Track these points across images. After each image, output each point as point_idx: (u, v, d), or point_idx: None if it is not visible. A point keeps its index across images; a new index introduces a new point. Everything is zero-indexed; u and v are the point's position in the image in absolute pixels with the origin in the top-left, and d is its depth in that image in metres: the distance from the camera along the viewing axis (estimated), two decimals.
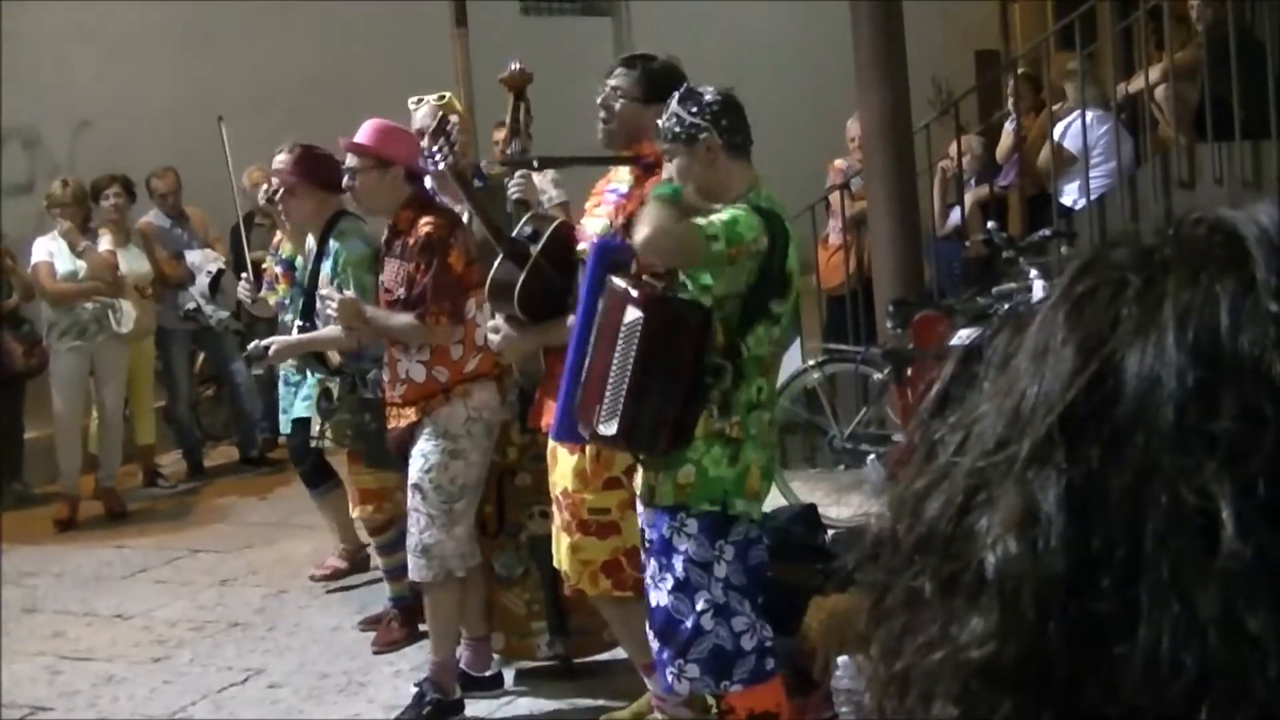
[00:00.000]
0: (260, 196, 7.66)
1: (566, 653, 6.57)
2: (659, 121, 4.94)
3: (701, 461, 4.84)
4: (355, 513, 7.35)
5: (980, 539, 0.74)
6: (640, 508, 5.08)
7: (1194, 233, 0.76)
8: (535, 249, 5.60)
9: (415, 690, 6.28)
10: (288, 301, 7.68)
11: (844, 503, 8.14)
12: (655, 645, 5.01)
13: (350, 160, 6.32)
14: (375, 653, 7.11)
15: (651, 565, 4.97)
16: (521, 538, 6.49)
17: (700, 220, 4.70)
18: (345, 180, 6.38)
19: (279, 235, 7.77)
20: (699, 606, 4.88)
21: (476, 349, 6.22)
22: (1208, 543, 0.69)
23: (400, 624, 7.24)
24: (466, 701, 6.31)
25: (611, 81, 5.58)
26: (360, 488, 7.26)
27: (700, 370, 4.81)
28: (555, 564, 5.78)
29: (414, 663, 6.89)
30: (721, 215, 4.73)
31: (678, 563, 4.89)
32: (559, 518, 5.63)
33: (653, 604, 4.98)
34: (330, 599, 7.99)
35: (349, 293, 6.52)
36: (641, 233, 4.67)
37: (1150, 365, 0.72)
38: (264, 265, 7.97)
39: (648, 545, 5.02)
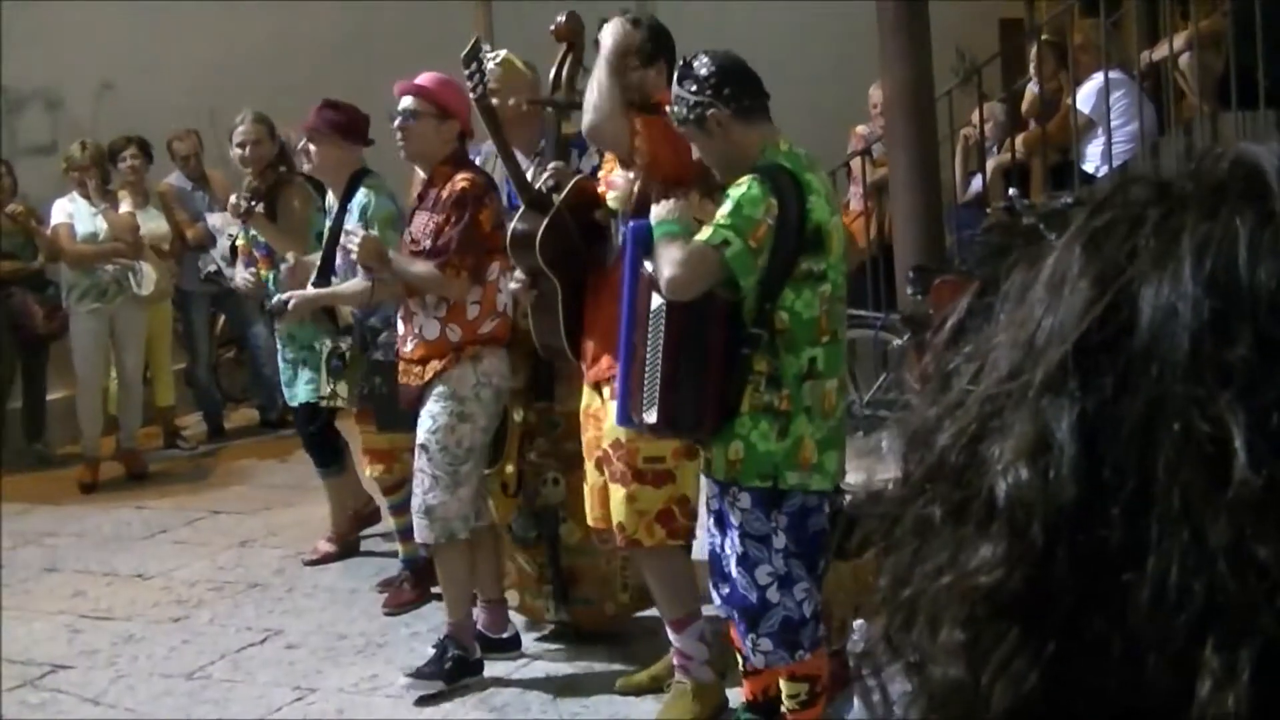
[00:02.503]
0: (232, 216, 7.70)
1: (570, 620, 6.59)
2: (669, 112, 4.92)
3: (749, 437, 4.82)
4: (368, 472, 7.35)
5: (991, 466, 0.74)
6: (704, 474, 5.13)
7: (1214, 167, 0.76)
8: (558, 199, 5.62)
9: (435, 649, 6.30)
10: (271, 284, 7.66)
11: (863, 469, 8.13)
12: (735, 615, 5.03)
13: (408, 103, 6.26)
14: (387, 614, 7.14)
15: (727, 537, 4.97)
16: (536, 503, 6.50)
17: (703, 234, 4.69)
18: (399, 121, 6.29)
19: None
20: (761, 580, 4.90)
21: (494, 312, 6.21)
22: (1219, 473, 0.68)
23: (411, 585, 7.27)
24: (403, 677, 6.29)
25: None
26: (372, 448, 7.25)
27: (734, 344, 4.80)
28: (591, 523, 5.79)
29: (431, 624, 6.90)
30: (722, 211, 4.71)
31: (735, 537, 4.91)
32: (610, 470, 5.61)
33: (731, 574, 4.99)
34: (348, 561, 8.01)
35: (372, 231, 6.50)
36: (663, 279, 4.69)
37: (1166, 296, 0.72)
38: (241, 245, 7.94)
39: (713, 512, 5.05)
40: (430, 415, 6.20)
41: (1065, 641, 0.71)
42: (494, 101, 6.22)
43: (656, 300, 4.80)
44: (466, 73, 5.77)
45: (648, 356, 4.83)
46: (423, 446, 6.22)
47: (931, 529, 0.77)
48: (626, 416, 5.12)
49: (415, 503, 6.28)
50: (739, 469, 4.85)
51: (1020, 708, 0.72)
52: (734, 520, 4.89)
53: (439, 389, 6.20)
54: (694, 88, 4.82)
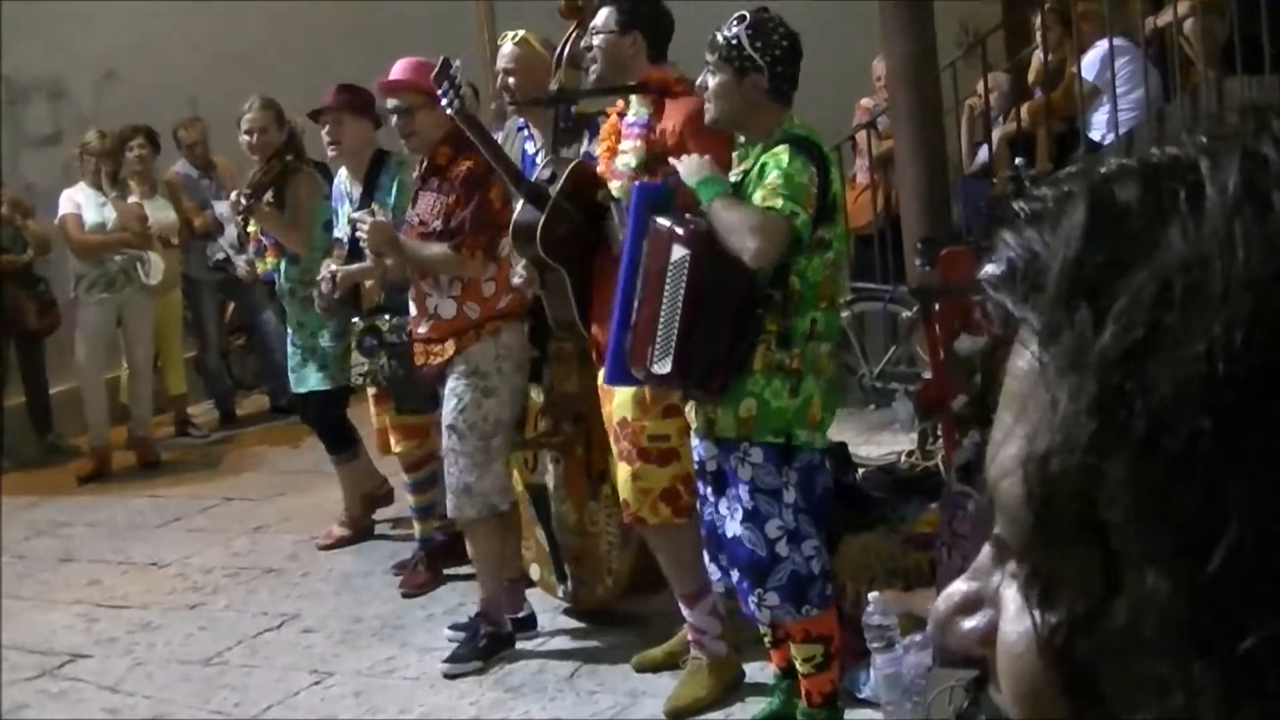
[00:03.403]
0: (235, 212, 7.71)
1: (569, 599, 6.61)
2: (716, 35, 4.89)
3: (763, 394, 4.86)
4: (396, 449, 7.31)
5: None
6: (696, 439, 5.11)
7: None
8: (554, 190, 5.61)
9: (464, 630, 6.37)
10: (278, 271, 7.67)
11: (874, 441, 8.15)
12: (735, 576, 5.03)
13: (397, 101, 6.28)
14: (403, 596, 7.15)
15: (725, 498, 4.99)
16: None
17: (775, 204, 4.71)
18: (396, 121, 6.31)
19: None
20: (771, 534, 4.92)
21: (508, 288, 6.22)
22: None
23: (426, 567, 7.28)
24: (442, 664, 6.31)
25: (594, 22, 5.63)
26: (401, 424, 7.23)
27: (749, 303, 4.83)
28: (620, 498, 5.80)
29: (446, 606, 6.93)
30: (775, 183, 4.74)
31: (744, 493, 4.92)
32: (616, 447, 5.65)
33: (729, 535, 5.00)
34: (362, 545, 8.03)
35: (380, 215, 6.47)
36: (745, 252, 4.69)
37: None
38: (250, 231, 7.96)
39: (709, 476, 5.04)
40: (455, 394, 6.21)
41: None
42: (511, 81, 6.25)
43: (679, 252, 4.81)
44: (439, 91, 5.75)
45: (663, 308, 4.82)
46: (451, 427, 6.23)
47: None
48: (619, 375, 5.15)
49: (451, 483, 6.29)
50: (751, 426, 4.87)
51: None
52: (743, 476, 4.91)
53: (460, 367, 6.21)
54: (758, 44, 4.85)
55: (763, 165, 4.81)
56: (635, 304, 4.98)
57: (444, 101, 5.73)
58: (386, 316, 6.79)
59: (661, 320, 4.84)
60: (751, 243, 4.68)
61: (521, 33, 6.56)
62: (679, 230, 4.84)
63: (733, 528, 4.98)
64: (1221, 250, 0.68)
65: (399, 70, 6.36)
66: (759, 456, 4.90)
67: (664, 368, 4.85)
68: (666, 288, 4.83)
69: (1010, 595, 0.75)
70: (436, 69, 5.74)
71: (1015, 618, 0.74)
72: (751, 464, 4.90)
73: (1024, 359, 0.74)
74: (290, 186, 7.73)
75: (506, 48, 6.47)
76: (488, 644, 6.27)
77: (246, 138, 7.89)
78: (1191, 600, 0.66)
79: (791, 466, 4.92)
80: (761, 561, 4.94)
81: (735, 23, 4.89)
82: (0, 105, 11.21)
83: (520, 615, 6.51)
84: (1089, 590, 0.69)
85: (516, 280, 5.98)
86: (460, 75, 5.73)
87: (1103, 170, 0.74)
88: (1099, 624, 0.69)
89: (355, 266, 6.92)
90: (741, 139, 5.05)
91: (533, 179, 5.78)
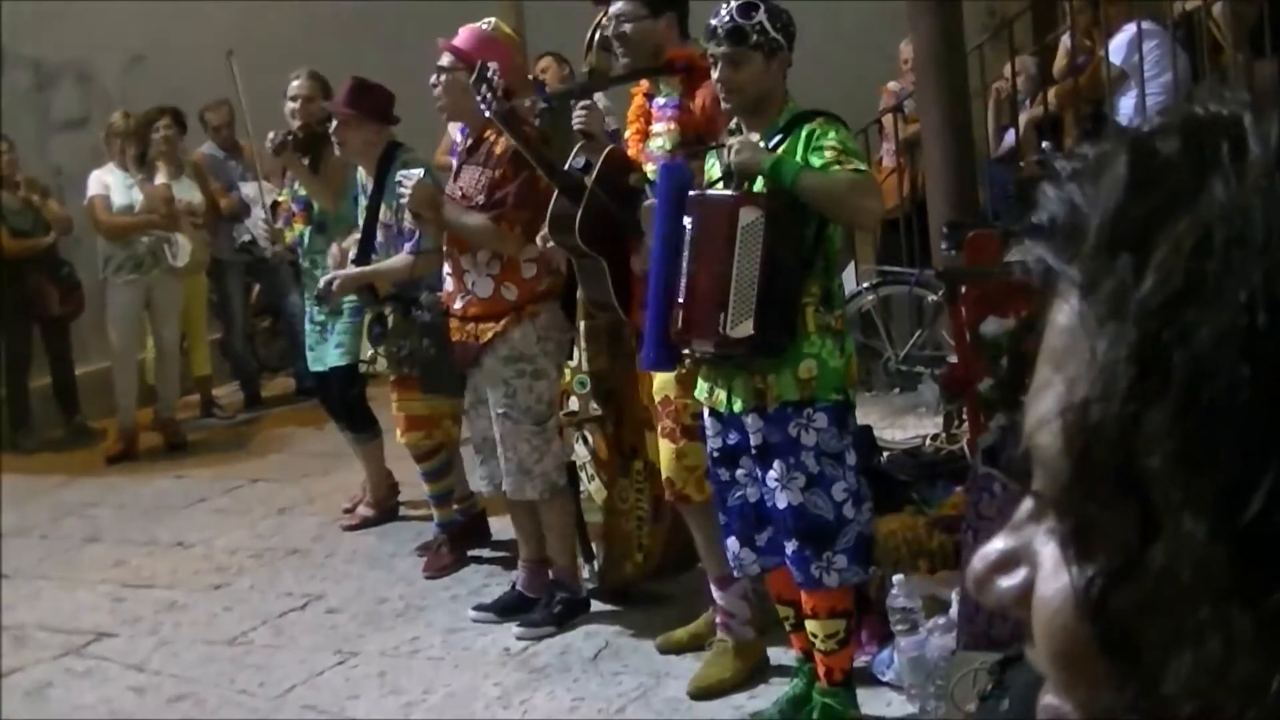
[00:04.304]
0: (267, 144, 7.69)
1: (594, 578, 6.62)
2: (737, 22, 4.89)
3: (820, 354, 4.94)
4: (402, 439, 7.34)
5: None
6: (713, 422, 5.12)
7: None
8: (589, 179, 5.60)
9: (493, 606, 6.53)
10: (303, 241, 7.70)
11: (899, 424, 8.14)
12: (793, 545, 5.03)
13: (445, 60, 6.28)
14: (426, 578, 7.16)
15: (775, 471, 4.98)
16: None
17: (856, 165, 4.85)
18: (433, 78, 6.33)
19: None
20: (838, 497, 4.97)
21: (550, 269, 6.23)
22: None
23: (449, 550, 7.29)
24: (516, 629, 6.37)
25: (614, 10, 5.61)
26: (409, 414, 7.23)
27: (801, 264, 4.94)
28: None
29: (470, 586, 6.94)
30: (838, 149, 4.84)
31: (809, 459, 4.95)
32: (660, 426, 5.67)
33: (780, 506, 5.00)
34: (386, 526, 8.04)
35: (426, 178, 6.47)
36: (864, 210, 4.90)
37: None
38: (280, 201, 8.01)
39: (753, 451, 5.04)
40: (504, 382, 6.24)
41: None
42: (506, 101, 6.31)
43: (749, 214, 4.83)
44: (477, 95, 5.75)
45: (734, 273, 4.83)
46: (505, 415, 6.27)
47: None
48: (659, 359, 5.17)
49: (511, 466, 6.33)
50: (814, 386, 4.92)
51: None
52: (807, 441, 4.94)
53: (503, 352, 6.22)
54: (778, 25, 4.91)
55: (808, 137, 4.85)
56: (683, 279, 4.98)
57: (482, 105, 5.73)
58: (390, 307, 6.82)
59: (735, 284, 4.84)
60: (865, 202, 4.86)
61: (493, 20, 6.60)
62: (744, 197, 4.88)
63: (788, 498, 4.97)
64: (1264, 201, 0.68)
65: (462, 35, 6.35)
66: (823, 421, 4.94)
67: (745, 330, 4.86)
68: (738, 252, 4.83)
69: (1048, 552, 0.74)
70: (475, 73, 5.73)
71: (1053, 574, 0.74)
72: (816, 429, 4.94)
73: (1063, 313, 0.74)
74: (326, 154, 7.73)
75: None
76: (563, 610, 6.36)
77: (291, 104, 7.88)
78: (1229, 547, 0.66)
79: (848, 429, 5.01)
80: (829, 526, 4.98)
81: (742, 9, 4.88)
82: (3, 86, 11.24)
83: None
84: (1126, 541, 0.69)
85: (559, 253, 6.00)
86: (497, 78, 5.71)
87: (1145, 127, 0.74)
88: (1136, 574, 0.69)
89: (356, 271, 6.95)
90: (734, 120, 5.05)
91: (566, 167, 5.78)
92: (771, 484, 5.01)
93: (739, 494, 5.12)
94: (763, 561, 5.19)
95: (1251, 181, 0.68)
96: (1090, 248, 0.72)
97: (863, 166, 4.89)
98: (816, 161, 4.80)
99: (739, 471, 5.10)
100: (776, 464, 4.97)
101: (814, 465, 4.95)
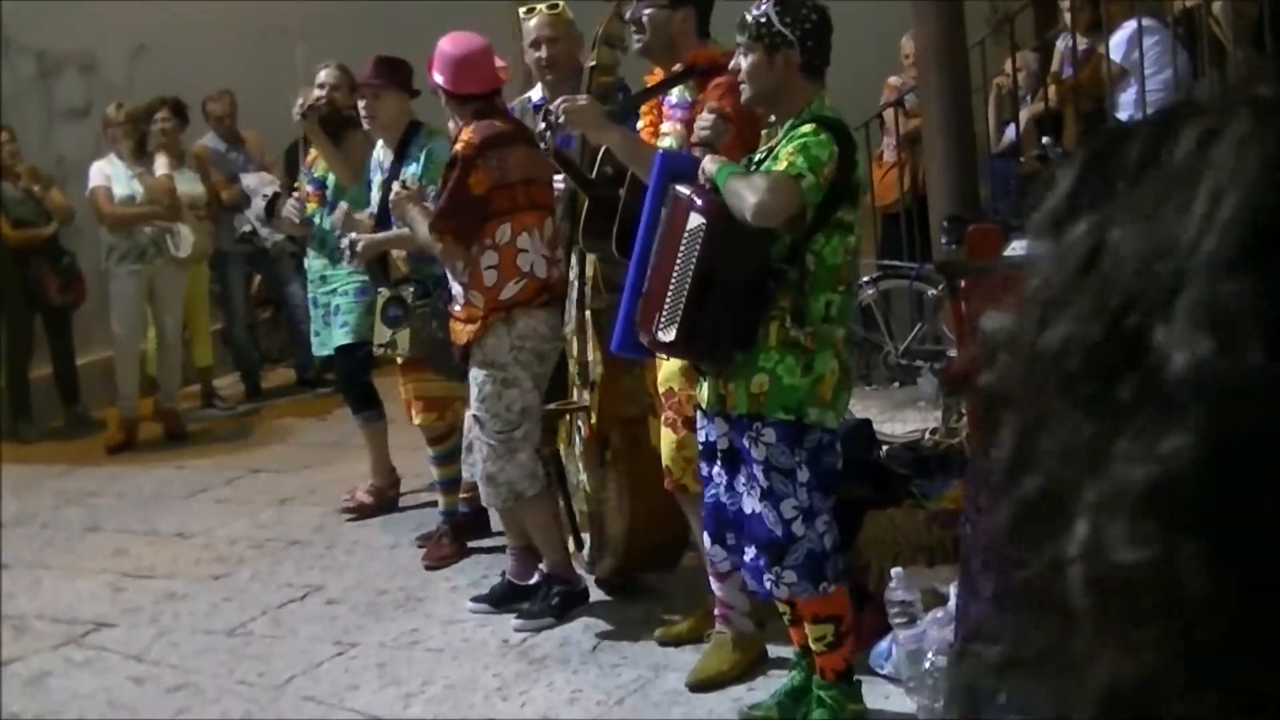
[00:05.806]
0: (295, 112, 7.67)
1: (587, 568, 6.63)
2: (746, 15, 4.89)
3: (775, 370, 4.86)
4: (417, 421, 7.35)
5: (1155, 341, 0.67)
6: (702, 419, 5.12)
7: None
8: (621, 190, 5.61)
9: (490, 597, 6.55)
10: (317, 220, 7.74)
11: (899, 419, 8.14)
12: (751, 553, 5.03)
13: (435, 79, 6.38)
14: (427, 569, 7.17)
15: (741, 476, 4.99)
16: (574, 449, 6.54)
17: (779, 167, 4.72)
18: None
19: (312, 154, 7.85)
20: (787, 514, 4.93)
21: (517, 275, 6.20)
22: None
23: (450, 540, 7.31)
24: (515, 621, 6.37)
25: None
26: (424, 396, 7.25)
27: (763, 277, 4.83)
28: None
29: (471, 578, 6.96)
30: (789, 150, 4.75)
31: (758, 472, 4.92)
32: (664, 416, 5.67)
33: (746, 511, 5.00)
34: (387, 517, 8.06)
35: (411, 186, 6.49)
36: (748, 208, 4.66)
37: None
38: (297, 185, 8.04)
39: (719, 454, 5.05)
40: (476, 385, 6.25)
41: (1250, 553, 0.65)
42: (546, 52, 6.32)
43: (695, 220, 4.81)
44: (537, 133, 5.74)
45: (674, 276, 4.83)
46: (475, 417, 6.29)
47: (1066, 412, 0.70)
48: (626, 344, 5.17)
49: (477, 471, 6.37)
50: (763, 402, 4.87)
51: (1217, 594, 0.65)
52: (756, 455, 4.91)
53: (478, 357, 6.23)
54: (788, 19, 4.84)
55: (789, 139, 4.82)
56: (648, 271, 4.99)
57: (542, 145, 5.69)
58: (412, 289, 6.83)
59: (672, 288, 4.85)
60: (753, 198, 4.65)
61: (560, 5, 6.61)
62: (698, 200, 4.84)
63: (751, 504, 4.98)
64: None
65: (436, 54, 6.41)
66: (772, 436, 4.89)
67: (668, 335, 4.87)
68: (680, 256, 4.84)
69: None
70: (543, 112, 5.68)
71: None
72: (765, 444, 4.90)
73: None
74: (347, 134, 7.76)
75: (541, 18, 6.52)
76: (560, 601, 6.35)
77: (319, 91, 7.89)
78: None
79: (802, 446, 4.91)
80: (778, 540, 4.95)
81: (764, 1, 4.89)
82: (5, 75, 11.24)
83: (531, 583, 6.54)
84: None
85: (532, 256, 6.01)
86: (558, 117, 5.60)
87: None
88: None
89: (380, 235, 6.98)
90: (772, 118, 5.05)
91: (592, 173, 5.79)
92: (739, 488, 5.03)
93: (712, 491, 5.14)
94: (733, 560, 5.21)
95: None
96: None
97: (795, 171, 4.68)
98: (774, 165, 4.78)
99: (715, 469, 5.11)
100: (742, 469, 5.00)
101: (764, 479, 4.92)
